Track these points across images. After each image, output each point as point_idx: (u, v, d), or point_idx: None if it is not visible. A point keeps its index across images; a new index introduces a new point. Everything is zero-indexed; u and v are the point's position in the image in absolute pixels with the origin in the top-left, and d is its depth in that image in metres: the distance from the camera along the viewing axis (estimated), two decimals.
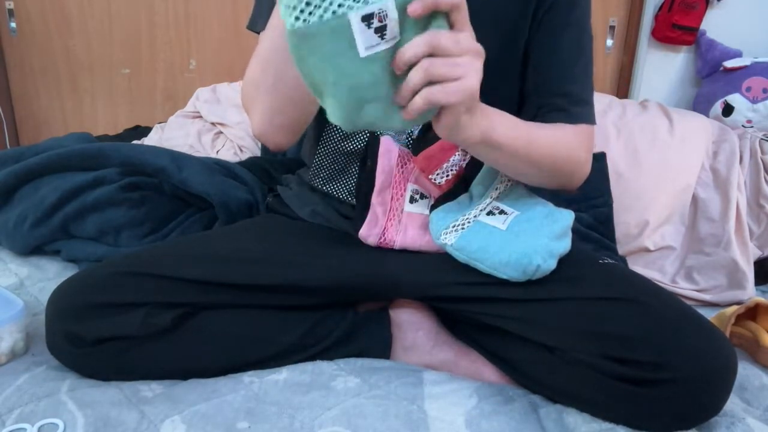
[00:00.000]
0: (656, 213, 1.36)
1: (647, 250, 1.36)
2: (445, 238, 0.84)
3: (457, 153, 0.86)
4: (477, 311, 0.86)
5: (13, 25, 1.89)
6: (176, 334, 0.82)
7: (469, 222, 0.84)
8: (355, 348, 0.90)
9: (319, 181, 0.97)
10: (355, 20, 0.56)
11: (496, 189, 0.88)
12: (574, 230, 1.30)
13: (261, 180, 1.32)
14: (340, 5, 0.56)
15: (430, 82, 0.59)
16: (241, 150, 1.55)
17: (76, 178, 1.21)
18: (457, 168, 0.87)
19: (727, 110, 1.68)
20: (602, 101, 1.52)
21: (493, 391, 0.82)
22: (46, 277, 1.14)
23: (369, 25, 0.57)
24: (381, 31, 0.57)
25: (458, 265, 0.85)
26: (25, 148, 1.33)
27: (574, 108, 0.88)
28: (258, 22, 0.89)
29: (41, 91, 1.96)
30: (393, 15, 0.57)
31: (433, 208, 0.88)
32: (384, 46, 0.58)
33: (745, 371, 0.90)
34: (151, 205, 1.21)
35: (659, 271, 1.34)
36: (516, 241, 0.80)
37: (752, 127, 1.64)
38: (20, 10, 1.88)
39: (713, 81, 1.76)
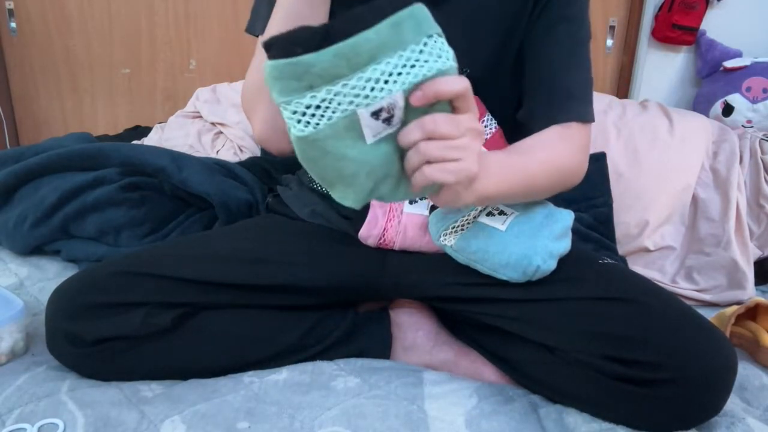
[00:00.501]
0: (656, 213, 1.36)
1: (647, 250, 1.36)
2: (445, 239, 0.84)
3: None
4: (477, 311, 0.86)
5: (13, 25, 1.89)
6: (176, 334, 0.82)
7: (468, 223, 0.84)
8: (355, 348, 0.90)
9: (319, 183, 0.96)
10: (365, 116, 0.56)
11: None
12: (574, 230, 1.30)
13: (261, 180, 1.32)
14: (350, 103, 0.55)
15: (430, 161, 0.60)
16: (241, 150, 1.55)
17: (76, 178, 1.21)
18: None
19: (727, 110, 1.68)
20: (602, 101, 1.52)
21: (493, 391, 0.82)
22: (46, 277, 1.14)
23: (377, 117, 0.57)
24: (388, 120, 0.57)
25: (458, 265, 0.85)
26: (25, 148, 1.33)
27: (572, 105, 0.86)
28: (257, 25, 0.89)
29: (41, 91, 1.96)
30: (401, 104, 0.57)
31: (432, 209, 0.88)
32: (390, 130, 0.59)
33: (745, 371, 0.90)
34: (151, 205, 1.21)
35: (659, 271, 1.34)
36: (515, 242, 0.80)
37: (752, 127, 1.64)
38: (20, 10, 1.88)
39: (713, 81, 1.76)
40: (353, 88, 0.55)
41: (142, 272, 0.83)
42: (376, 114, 0.56)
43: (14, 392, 0.78)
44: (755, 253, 1.34)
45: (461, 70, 0.84)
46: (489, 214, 0.84)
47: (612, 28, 1.92)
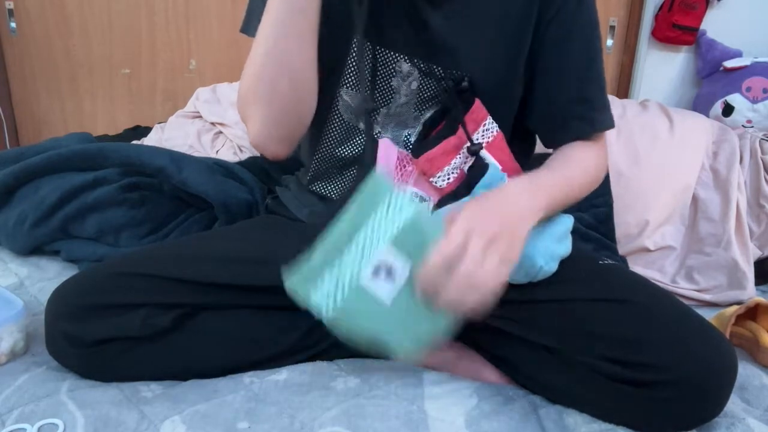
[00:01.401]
0: (656, 213, 1.36)
1: (647, 250, 1.36)
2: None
3: (459, 155, 0.86)
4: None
5: (13, 25, 1.89)
6: (176, 334, 0.82)
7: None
8: (355, 348, 0.90)
9: (318, 185, 0.96)
10: (367, 280, 0.67)
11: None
12: (574, 230, 1.30)
13: (260, 180, 1.32)
14: (350, 273, 0.67)
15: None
16: (240, 150, 1.55)
17: (76, 178, 1.21)
18: (459, 171, 0.86)
19: (727, 110, 1.68)
20: None
21: (493, 391, 0.82)
22: (46, 277, 1.14)
23: (379, 277, 0.67)
24: (390, 275, 0.67)
25: None
26: (25, 148, 1.33)
27: (595, 115, 0.88)
28: (251, 25, 0.88)
29: (41, 92, 1.96)
30: (391, 257, 0.67)
31: (434, 210, 0.87)
32: (400, 284, 0.68)
33: (745, 371, 0.90)
34: (150, 206, 1.21)
35: (659, 271, 1.34)
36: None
37: (752, 127, 1.64)
38: (20, 10, 1.88)
39: (713, 81, 1.76)
40: (346, 262, 0.67)
41: (141, 273, 0.83)
42: (375, 274, 0.67)
43: (14, 392, 0.78)
44: (755, 253, 1.34)
45: (460, 75, 0.85)
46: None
47: (612, 28, 1.92)
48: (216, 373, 0.84)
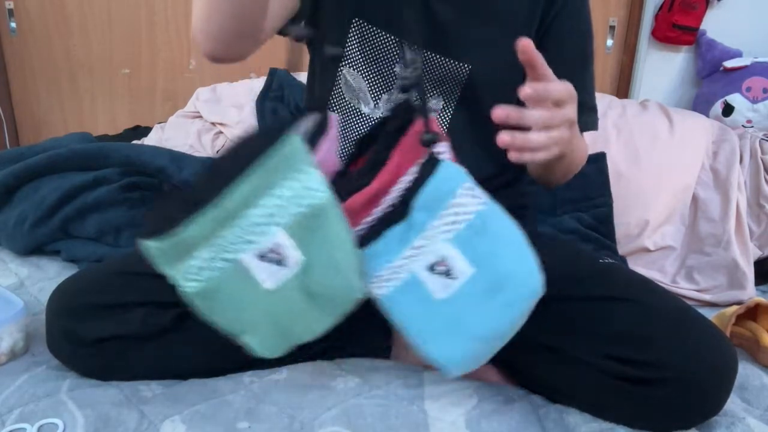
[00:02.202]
0: (656, 213, 1.36)
1: (647, 250, 1.36)
2: (377, 287, 0.62)
3: (379, 206, 0.65)
4: None
5: (13, 25, 1.89)
6: (176, 333, 0.82)
7: (398, 272, 0.61)
8: (356, 348, 0.90)
9: None
10: (251, 261, 0.57)
11: (443, 217, 0.59)
12: (574, 230, 1.31)
13: None
14: (234, 251, 0.56)
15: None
16: None
17: (76, 178, 1.21)
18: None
19: (727, 110, 1.68)
20: (602, 101, 1.52)
21: (494, 391, 0.82)
22: (46, 277, 1.14)
23: (267, 260, 0.57)
24: (281, 261, 0.57)
25: None
26: (25, 148, 1.33)
27: (583, 117, 0.89)
28: None
29: (41, 91, 1.96)
30: (286, 242, 0.57)
31: (362, 243, 0.63)
32: (289, 272, 0.58)
33: (745, 371, 0.90)
34: (151, 205, 1.21)
35: (659, 271, 1.34)
36: (444, 329, 0.59)
37: (752, 127, 1.64)
38: (20, 10, 1.88)
39: (713, 81, 1.76)
40: (232, 238, 0.56)
41: (141, 272, 0.82)
42: (262, 257, 0.57)
43: (14, 392, 0.78)
44: (755, 253, 1.34)
45: (462, 66, 0.85)
46: (432, 267, 0.60)
47: (612, 28, 1.92)
48: (216, 372, 0.84)
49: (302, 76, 1.61)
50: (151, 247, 0.56)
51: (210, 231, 0.56)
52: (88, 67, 1.94)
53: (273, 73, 1.64)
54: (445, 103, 0.88)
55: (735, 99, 1.67)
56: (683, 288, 1.30)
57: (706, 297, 1.28)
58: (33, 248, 1.21)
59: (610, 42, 1.93)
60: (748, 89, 1.66)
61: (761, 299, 1.03)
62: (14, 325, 0.86)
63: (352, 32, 0.85)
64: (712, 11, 1.80)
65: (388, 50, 0.86)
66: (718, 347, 0.73)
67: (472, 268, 0.59)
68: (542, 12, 0.86)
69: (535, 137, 0.62)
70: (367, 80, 0.87)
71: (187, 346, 0.83)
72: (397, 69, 0.87)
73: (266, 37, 0.78)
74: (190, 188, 0.55)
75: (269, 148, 0.56)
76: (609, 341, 0.74)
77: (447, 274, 0.59)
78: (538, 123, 0.62)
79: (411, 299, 0.60)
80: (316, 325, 0.62)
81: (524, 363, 0.83)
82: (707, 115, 1.67)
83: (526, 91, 0.60)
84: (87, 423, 0.72)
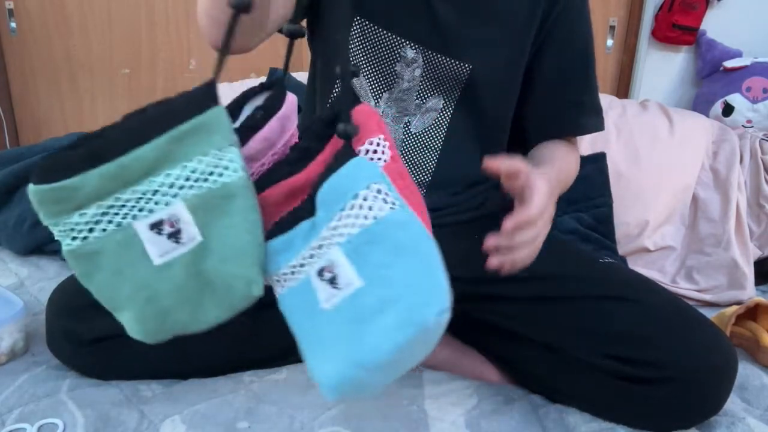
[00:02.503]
0: (656, 213, 1.36)
1: (647, 250, 1.36)
2: (278, 286, 0.58)
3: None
4: (477, 309, 0.85)
5: (13, 25, 1.89)
6: None
7: (295, 273, 0.56)
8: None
9: None
10: (143, 229, 0.52)
11: (342, 219, 0.52)
12: (574, 230, 1.31)
13: None
14: (125, 216, 0.52)
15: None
16: None
17: None
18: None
19: (727, 110, 1.68)
20: (602, 101, 1.51)
21: (494, 391, 0.82)
22: (46, 277, 1.14)
23: (160, 232, 0.52)
24: (175, 236, 0.53)
25: (457, 262, 0.84)
26: (24, 148, 1.33)
27: (586, 118, 0.90)
28: None
29: (41, 92, 1.96)
30: (186, 217, 0.53)
31: (269, 236, 0.57)
32: (182, 249, 0.53)
33: (745, 371, 0.90)
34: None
35: (659, 271, 1.34)
36: (325, 345, 0.53)
37: (752, 127, 1.64)
38: (20, 10, 1.88)
39: (713, 81, 1.76)
40: (127, 201, 0.52)
41: None
42: (156, 227, 0.52)
43: (14, 392, 0.78)
44: (755, 253, 1.34)
45: (463, 66, 0.85)
46: (321, 271, 0.53)
47: (612, 28, 1.92)
48: (216, 372, 0.84)
49: (302, 76, 1.60)
50: (33, 190, 0.50)
51: (103, 188, 0.51)
52: (88, 67, 1.94)
53: (273, 73, 1.64)
54: (445, 102, 0.88)
55: (735, 99, 1.67)
56: (683, 288, 1.30)
57: (706, 297, 1.28)
58: (33, 248, 1.21)
59: (610, 42, 1.93)
60: (748, 89, 1.66)
61: (761, 299, 1.03)
62: (14, 325, 0.86)
63: (354, 31, 0.85)
64: (712, 11, 1.80)
65: (389, 49, 0.86)
66: (718, 347, 0.73)
67: (360, 280, 0.51)
68: (543, 13, 0.85)
69: (522, 254, 0.66)
70: (368, 79, 0.87)
71: (187, 345, 0.83)
72: (397, 68, 0.87)
73: (273, 27, 0.75)
74: (98, 139, 0.51)
75: (189, 115, 0.52)
76: (609, 341, 0.74)
77: (332, 282, 0.53)
78: (526, 243, 0.66)
79: (301, 304, 0.55)
80: (204, 315, 0.57)
81: (525, 362, 0.83)
82: (707, 115, 1.67)
83: (506, 226, 0.63)
84: (87, 423, 0.72)
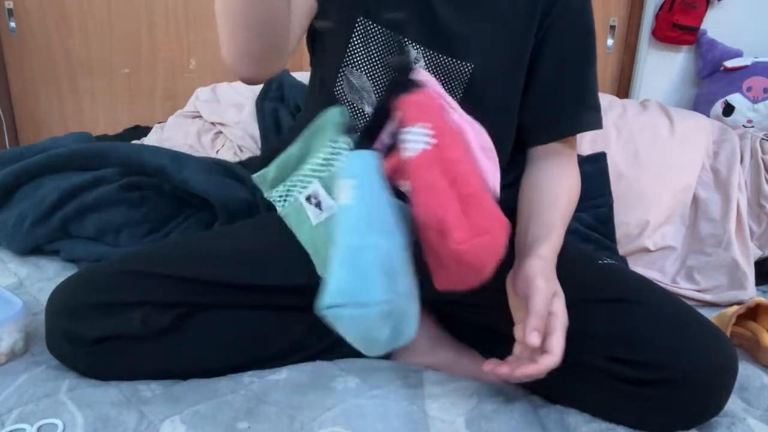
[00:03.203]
0: (656, 213, 1.36)
1: (647, 251, 1.36)
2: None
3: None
4: (477, 312, 0.85)
5: (13, 25, 1.89)
6: (175, 334, 0.82)
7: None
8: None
9: None
10: (302, 200, 0.76)
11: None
12: (575, 230, 1.31)
13: None
14: (295, 191, 0.76)
15: None
16: (241, 150, 1.55)
17: (75, 178, 1.21)
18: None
19: (728, 110, 1.68)
20: (602, 101, 1.49)
21: (494, 391, 0.82)
22: (46, 277, 1.14)
23: (311, 203, 0.75)
24: (319, 205, 0.75)
25: None
26: (24, 148, 1.33)
27: (585, 116, 0.90)
28: None
29: (41, 92, 1.96)
30: (322, 192, 0.74)
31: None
32: (325, 215, 0.74)
33: (746, 371, 0.90)
34: (150, 205, 1.21)
35: (660, 271, 1.34)
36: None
37: (753, 127, 1.64)
38: (20, 10, 1.88)
39: (714, 81, 1.76)
40: (294, 182, 0.76)
41: (141, 272, 0.83)
42: (308, 199, 0.75)
43: (14, 392, 0.78)
44: (756, 253, 1.34)
45: (465, 65, 0.85)
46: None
47: (612, 27, 1.92)
48: (216, 372, 0.84)
49: (302, 76, 1.60)
50: (258, 175, 0.79)
51: (279, 175, 0.78)
52: (88, 67, 1.94)
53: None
54: None
55: (735, 99, 1.67)
56: (683, 288, 1.30)
57: (707, 297, 1.27)
58: (32, 248, 1.21)
59: (610, 42, 1.93)
60: (749, 89, 1.66)
61: (762, 299, 1.03)
62: (14, 325, 0.86)
63: (357, 31, 0.85)
64: (712, 11, 1.80)
65: (392, 49, 0.86)
66: (718, 347, 0.72)
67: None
68: (543, 11, 0.85)
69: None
70: (372, 79, 0.86)
71: (187, 346, 0.83)
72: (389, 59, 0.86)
73: (292, 49, 0.79)
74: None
75: (320, 119, 0.73)
76: (610, 342, 0.74)
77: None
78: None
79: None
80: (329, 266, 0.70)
81: None
82: (708, 115, 1.67)
83: (532, 340, 0.69)
84: (87, 423, 0.72)
